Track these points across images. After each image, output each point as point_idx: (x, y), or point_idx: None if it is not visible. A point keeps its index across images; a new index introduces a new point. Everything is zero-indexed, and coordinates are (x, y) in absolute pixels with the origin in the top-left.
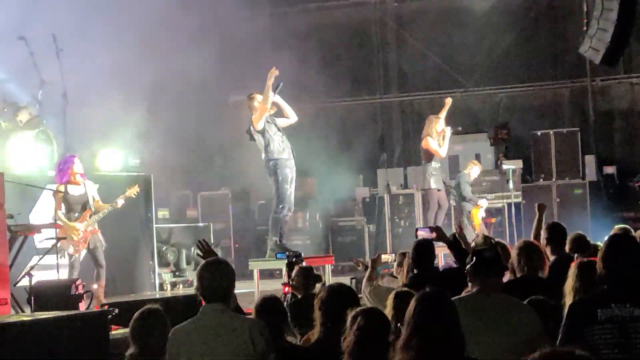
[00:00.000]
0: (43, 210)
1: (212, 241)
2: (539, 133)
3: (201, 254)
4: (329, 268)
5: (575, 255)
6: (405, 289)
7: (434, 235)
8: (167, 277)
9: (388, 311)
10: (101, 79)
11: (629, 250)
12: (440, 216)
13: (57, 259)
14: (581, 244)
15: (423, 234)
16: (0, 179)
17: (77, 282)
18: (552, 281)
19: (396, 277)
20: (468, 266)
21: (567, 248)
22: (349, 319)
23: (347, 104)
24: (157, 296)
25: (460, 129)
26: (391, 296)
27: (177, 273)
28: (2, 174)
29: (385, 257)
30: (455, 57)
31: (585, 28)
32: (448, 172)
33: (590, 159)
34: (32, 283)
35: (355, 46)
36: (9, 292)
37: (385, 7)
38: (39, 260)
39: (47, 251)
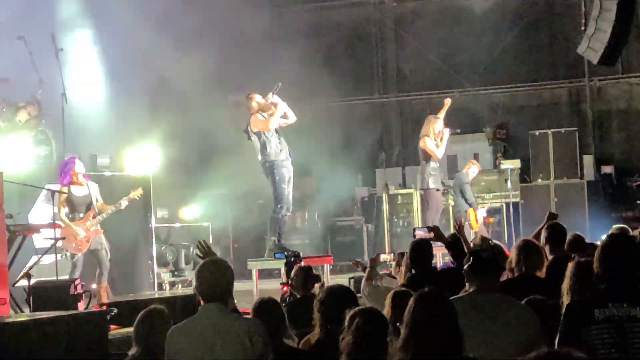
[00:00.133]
0: (42, 210)
1: (210, 241)
2: (537, 133)
3: (201, 255)
4: (327, 268)
5: (573, 255)
6: (403, 288)
7: (431, 235)
8: (166, 276)
9: (386, 311)
10: (100, 79)
11: (626, 250)
12: (437, 217)
13: (56, 259)
14: (579, 244)
15: (421, 233)
16: None
17: (76, 282)
18: (550, 281)
19: (395, 278)
20: (465, 266)
21: (565, 248)
22: (347, 318)
23: (346, 104)
24: (156, 296)
25: (458, 130)
26: (389, 296)
27: (176, 273)
28: (1, 173)
29: (383, 257)
30: (453, 57)
31: (583, 28)
32: (446, 172)
33: (588, 159)
34: (31, 283)
35: (354, 46)
36: (7, 292)
37: (384, 7)
38: (37, 260)
39: (46, 251)
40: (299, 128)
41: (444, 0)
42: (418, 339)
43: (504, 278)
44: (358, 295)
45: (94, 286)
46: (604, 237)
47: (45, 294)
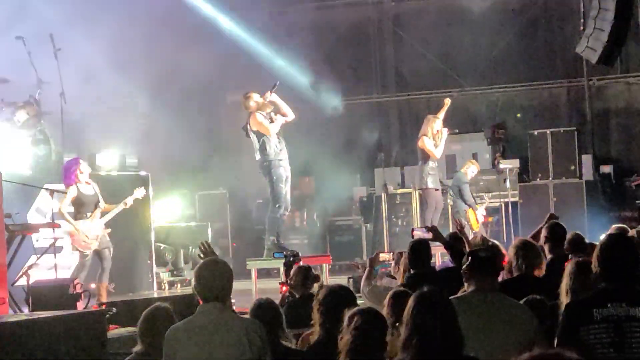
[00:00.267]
0: (41, 210)
1: (209, 241)
2: (535, 132)
3: (202, 256)
4: (326, 267)
5: (570, 255)
6: (402, 288)
7: (430, 235)
8: (165, 276)
9: (385, 311)
10: (99, 78)
11: (624, 249)
12: (436, 216)
13: (55, 258)
14: (578, 244)
15: (419, 234)
16: None
17: (75, 282)
18: (548, 280)
19: (394, 277)
20: (464, 266)
21: (565, 248)
22: (346, 318)
23: (345, 104)
24: (155, 295)
25: (457, 130)
26: (388, 296)
27: (175, 272)
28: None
29: (383, 256)
30: (452, 56)
31: (582, 28)
32: (445, 171)
33: (587, 159)
34: (30, 282)
35: (353, 45)
36: (6, 291)
37: (382, 7)
38: (37, 260)
39: (45, 251)
40: (298, 128)
41: (443, 0)
42: (418, 339)
43: (502, 278)
44: (357, 294)
45: (93, 286)
46: (602, 236)
47: (45, 294)
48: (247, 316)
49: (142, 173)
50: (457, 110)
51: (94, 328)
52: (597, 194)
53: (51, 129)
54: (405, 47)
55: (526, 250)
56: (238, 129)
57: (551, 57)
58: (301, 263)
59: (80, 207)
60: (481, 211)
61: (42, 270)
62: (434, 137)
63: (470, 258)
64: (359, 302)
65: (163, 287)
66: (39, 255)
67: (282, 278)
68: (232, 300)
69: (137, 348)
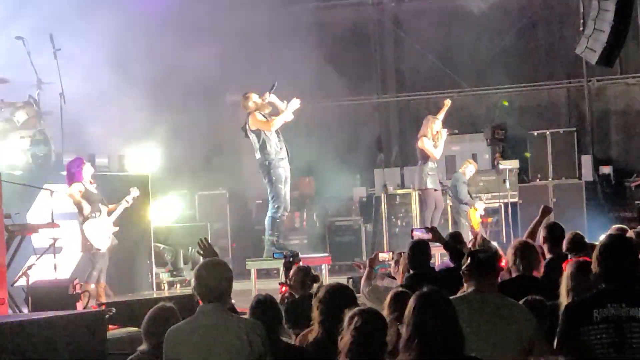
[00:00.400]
0: (40, 210)
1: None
2: (535, 133)
3: (202, 253)
4: (326, 268)
5: (570, 255)
6: (402, 289)
7: (429, 235)
8: (165, 276)
9: (386, 312)
10: (98, 79)
11: (624, 250)
12: (437, 216)
13: (55, 259)
14: (577, 243)
15: (419, 234)
16: None
17: (75, 282)
18: (547, 281)
19: (395, 278)
20: (464, 266)
21: (564, 247)
22: (346, 318)
23: (345, 104)
24: (155, 296)
25: (456, 131)
26: (389, 296)
27: (174, 273)
28: None
29: (382, 256)
30: (452, 57)
31: (581, 28)
32: (445, 172)
33: (586, 159)
34: (30, 283)
35: (353, 46)
36: (6, 292)
37: (382, 7)
38: (36, 260)
39: (45, 251)
40: (298, 128)
41: (442, 1)
42: (419, 339)
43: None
44: (357, 295)
45: (92, 286)
46: (602, 237)
47: (44, 294)
48: (246, 315)
49: (142, 173)
50: (457, 111)
51: (93, 328)
52: (596, 194)
53: (51, 129)
54: (405, 47)
55: (525, 251)
56: (238, 129)
57: (551, 57)
58: (301, 263)
59: (89, 205)
60: (479, 212)
61: (42, 271)
62: (434, 137)
63: (469, 258)
64: (358, 302)
65: (162, 288)
66: (38, 256)
67: (282, 278)
68: (232, 301)
69: (142, 347)
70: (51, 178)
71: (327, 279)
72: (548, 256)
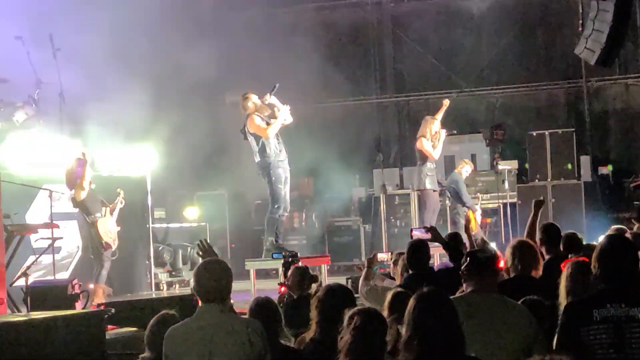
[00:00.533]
0: (39, 210)
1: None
2: (534, 134)
3: (201, 254)
4: (325, 268)
5: (570, 255)
6: (401, 289)
7: (429, 235)
8: (164, 277)
9: (386, 313)
10: (98, 78)
11: (623, 250)
12: (434, 217)
13: (54, 259)
14: (572, 242)
15: (418, 234)
16: None
17: (74, 282)
18: (545, 281)
19: (393, 278)
20: (463, 266)
21: (561, 247)
22: (346, 318)
23: (344, 105)
24: (154, 296)
25: (455, 131)
26: (388, 297)
27: (173, 273)
28: None
29: (381, 256)
30: (451, 57)
31: (580, 29)
32: (444, 172)
33: (585, 160)
34: (29, 283)
35: (352, 46)
36: (5, 291)
37: (381, 8)
38: (35, 260)
39: (44, 251)
40: (297, 128)
41: (441, 2)
42: (419, 339)
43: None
44: (356, 295)
45: (91, 286)
46: (601, 237)
47: (43, 294)
48: (246, 316)
49: (141, 173)
50: (456, 112)
51: (92, 328)
52: (595, 195)
53: (50, 129)
54: (404, 48)
55: (523, 251)
56: (238, 129)
57: (550, 58)
58: (300, 264)
59: (94, 205)
60: (478, 212)
61: (41, 271)
62: (432, 138)
63: (469, 259)
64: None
65: (161, 288)
66: (37, 256)
67: (281, 279)
68: (231, 301)
69: (145, 355)
70: (50, 178)
71: (326, 280)
72: (547, 256)
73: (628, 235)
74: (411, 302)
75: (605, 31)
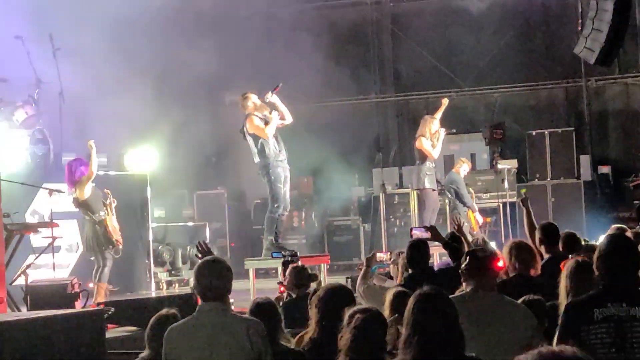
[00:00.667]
0: (39, 209)
1: (207, 240)
2: (534, 133)
3: (200, 256)
4: (324, 267)
5: (571, 255)
6: (401, 288)
7: (429, 234)
8: (163, 276)
9: (387, 313)
10: (97, 78)
11: (624, 249)
12: (433, 216)
13: (53, 258)
14: (571, 242)
15: (418, 233)
16: None
17: (73, 281)
18: (544, 280)
19: (392, 278)
20: (462, 265)
21: (560, 247)
22: (346, 317)
23: (343, 104)
24: (153, 295)
25: (454, 130)
26: (389, 296)
27: (173, 272)
28: None
29: (380, 256)
30: (450, 57)
31: (580, 28)
32: (443, 171)
33: (585, 159)
34: (28, 282)
35: (351, 46)
36: (5, 290)
37: (381, 7)
38: (35, 259)
39: (44, 250)
40: (297, 128)
41: (441, 1)
42: (419, 338)
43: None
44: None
45: (90, 285)
46: (602, 237)
47: (43, 293)
48: (246, 316)
49: (141, 172)
50: (455, 111)
51: (92, 327)
52: (595, 194)
53: (50, 128)
54: (404, 47)
55: (520, 250)
56: (237, 129)
57: (549, 57)
58: (299, 263)
59: (98, 204)
60: (477, 213)
61: (40, 270)
62: (432, 137)
63: (468, 258)
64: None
65: (161, 287)
66: (37, 255)
67: (281, 278)
68: (231, 300)
69: (144, 354)
70: (50, 177)
71: (325, 279)
72: (546, 256)
73: (629, 234)
74: (410, 301)
75: (604, 31)
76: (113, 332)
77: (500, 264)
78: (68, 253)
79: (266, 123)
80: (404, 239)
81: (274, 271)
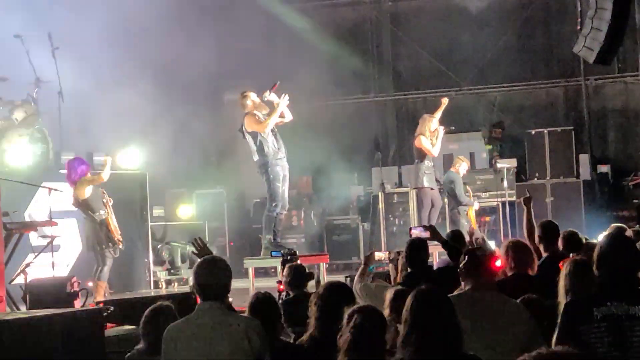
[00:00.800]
0: (39, 208)
1: (207, 240)
2: (533, 132)
3: (196, 252)
4: (323, 266)
5: (571, 254)
6: (401, 287)
7: (428, 234)
8: (162, 275)
9: (387, 312)
10: (97, 77)
11: (625, 248)
12: (434, 215)
13: (53, 257)
14: (572, 241)
15: (417, 232)
16: None
17: (73, 280)
18: (542, 279)
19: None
20: (461, 264)
21: (560, 245)
22: (346, 316)
23: (342, 103)
24: (152, 294)
25: (453, 128)
26: (389, 295)
27: (172, 271)
28: None
29: (378, 255)
30: (449, 56)
31: (579, 27)
32: (442, 170)
33: (584, 158)
34: (28, 281)
35: (350, 45)
36: (4, 289)
37: (380, 6)
38: (34, 258)
39: (43, 249)
40: (296, 127)
41: (440, 0)
42: (417, 336)
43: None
44: None
45: (90, 284)
46: (601, 236)
47: (42, 292)
48: (245, 313)
49: (140, 171)
50: (455, 110)
51: (91, 326)
52: (594, 193)
53: (49, 127)
54: (403, 46)
55: (516, 250)
56: (236, 127)
57: (548, 56)
58: (299, 262)
59: (98, 203)
60: (476, 206)
61: (40, 269)
62: (431, 135)
63: (466, 257)
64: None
65: (160, 286)
66: (36, 254)
67: (280, 277)
68: (230, 299)
69: (139, 346)
70: (49, 176)
71: (324, 278)
72: (544, 255)
73: (628, 233)
74: (409, 300)
75: (603, 30)
76: (112, 331)
77: (498, 263)
78: (67, 252)
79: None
80: (403, 238)
81: (273, 270)
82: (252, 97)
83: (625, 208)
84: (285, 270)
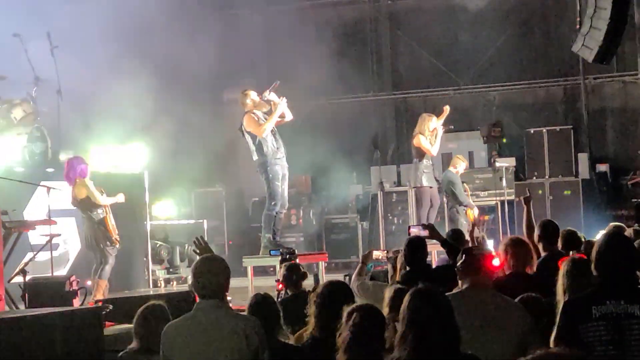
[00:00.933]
0: (37, 207)
1: (205, 238)
2: (532, 131)
3: (197, 251)
4: (322, 265)
5: (571, 253)
6: (400, 286)
7: (426, 232)
8: (161, 274)
9: (386, 311)
10: (96, 76)
11: (623, 247)
12: (433, 214)
13: (52, 256)
14: (571, 240)
15: (416, 231)
16: None
17: (72, 279)
18: (540, 278)
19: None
20: (458, 263)
21: (559, 244)
22: (345, 314)
23: (341, 102)
24: (151, 292)
25: (452, 127)
26: (389, 293)
27: (170, 270)
28: None
29: (376, 254)
30: (448, 55)
31: (578, 26)
32: (441, 169)
33: (583, 157)
34: (27, 279)
35: (349, 44)
36: (3, 288)
37: (379, 5)
38: (33, 257)
39: (42, 247)
40: (295, 126)
41: None
42: (414, 335)
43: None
44: None
45: (89, 283)
46: (599, 235)
47: (41, 291)
48: (244, 313)
49: (139, 171)
50: (453, 109)
51: (90, 325)
52: (593, 192)
53: (48, 126)
54: (402, 45)
55: (515, 248)
56: (235, 126)
57: (547, 55)
58: (297, 261)
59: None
60: (475, 210)
61: (39, 267)
62: (430, 135)
63: (464, 255)
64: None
65: (159, 285)
66: (35, 252)
67: (279, 276)
68: (228, 298)
69: (132, 345)
70: (48, 175)
71: (323, 277)
72: (543, 254)
73: (629, 232)
74: (406, 299)
75: (602, 29)
76: (111, 329)
77: (496, 262)
78: (66, 250)
79: (266, 119)
80: (402, 236)
81: (272, 269)
82: (252, 95)
83: (623, 207)
84: (281, 270)
